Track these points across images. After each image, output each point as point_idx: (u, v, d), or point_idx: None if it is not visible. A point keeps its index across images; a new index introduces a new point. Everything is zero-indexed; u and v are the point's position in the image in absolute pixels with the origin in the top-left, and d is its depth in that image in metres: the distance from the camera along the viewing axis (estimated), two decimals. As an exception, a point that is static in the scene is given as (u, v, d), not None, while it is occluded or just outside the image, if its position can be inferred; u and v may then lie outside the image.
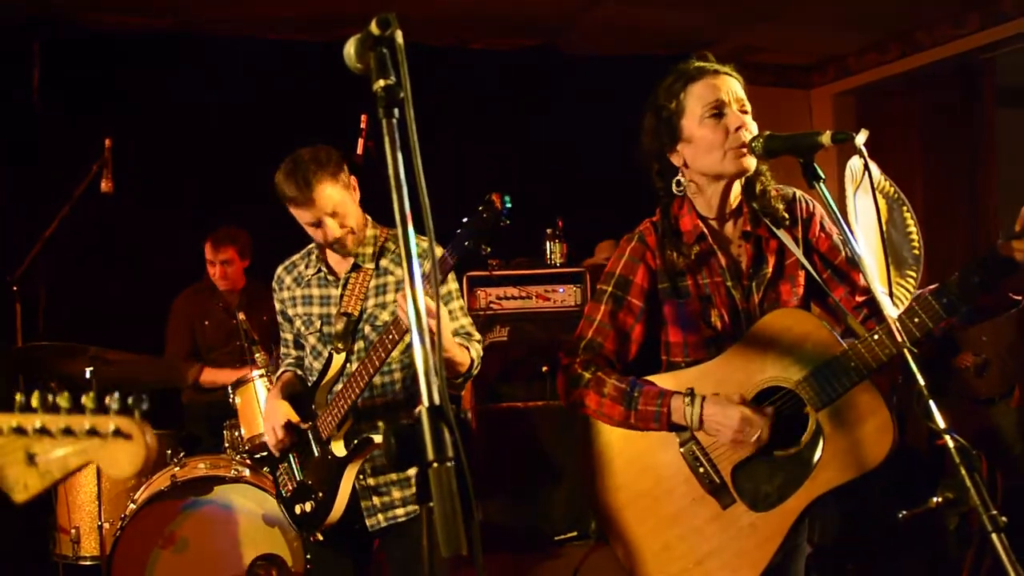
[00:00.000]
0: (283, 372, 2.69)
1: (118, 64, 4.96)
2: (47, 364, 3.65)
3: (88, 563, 3.64)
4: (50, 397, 1.21)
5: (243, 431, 3.67)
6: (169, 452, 3.68)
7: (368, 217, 2.57)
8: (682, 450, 1.97)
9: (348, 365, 2.49)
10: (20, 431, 1.19)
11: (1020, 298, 1.77)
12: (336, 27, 4.93)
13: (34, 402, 1.21)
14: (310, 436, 2.55)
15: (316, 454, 2.53)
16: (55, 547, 3.72)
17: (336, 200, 2.42)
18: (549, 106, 5.64)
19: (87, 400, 1.20)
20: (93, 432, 1.17)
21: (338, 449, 2.46)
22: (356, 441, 2.43)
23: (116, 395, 1.25)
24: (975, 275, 1.68)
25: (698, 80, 1.95)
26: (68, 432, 1.18)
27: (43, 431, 1.19)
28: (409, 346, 2.36)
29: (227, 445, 3.79)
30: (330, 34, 5.04)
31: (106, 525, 3.49)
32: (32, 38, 4.80)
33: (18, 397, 1.22)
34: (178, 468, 3.47)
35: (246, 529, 3.35)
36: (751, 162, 1.92)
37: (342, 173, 2.45)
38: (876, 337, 1.76)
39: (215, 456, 3.68)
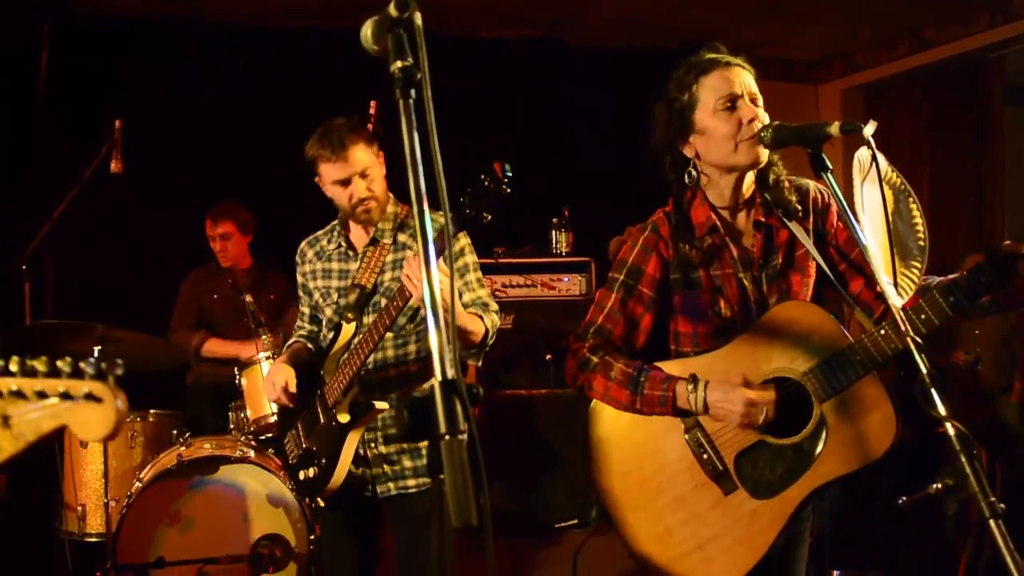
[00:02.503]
0: (294, 342, 2.75)
1: (126, 49, 4.98)
2: (55, 343, 3.67)
3: (94, 540, 3.68)
4: (28, 361, 1.24)
5: (249, 412, 3.71)
6: (175, 432, 3.72)
7: (391, 195, 2.63)
8: (687, 436, 1.99)
9: (357, 335, 2.54)
10: None
11: None
12: (342, 16, 4.94)
13: (12, 366, 1.23)
14: (317, 403, 2.59)
15: (321, 421, 2.57)
16: (61, 524, 3.76)
17: (366, 163, 2.50)
18: (555, 96, 5.65)
19: (63, 364, 1.22)
20: (66, 396, 1.19)
21: (342, 415, 2.50)
22: (358, 407, 2.47)
23: (91, 360, 1.27)
24: (983, 274, 1.71)
25: (711, 72, 1.96)
26: (42, 395, 1.20)
27: (18, 394, 1.20)
28: (423, 319, 2.40)
29: (232, 426, 3.83)
30: (336, 22, 5.05)
31: (112, 503, 3.53)
32: (41, 21, 4.82)
33: None
34: (184, 448, 3.50)
35: (250, 509, 3.38)
36: (764, 153, 1.93)
37: (374, 143, 2.54)
38: (883, 332, 1.78)
39: (221, 437, 3.70)
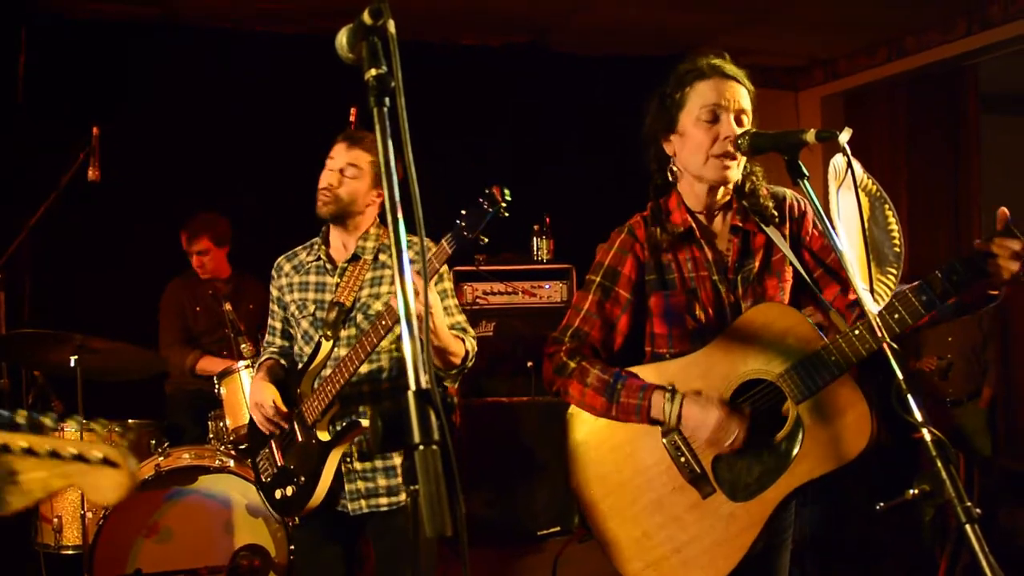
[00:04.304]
0: (265, 359, 2.71)
1: (106, 52, 4.95)
2: (32, 352, 3.63)
3: (70, 552, 3.62)
4: (35, 416, 1.23)
5: (228, 422, 3.68)
6: (153, 442, 3.68)
7: (377, 219, 2.66)
8: (664, 440, 1.99)
9: (336, 351, 2.52)
10: (5, 449, 1.19)
11: (997, 293, 1.81)
12: (323, 20, 4.94)
13: (19, 419, 1.23)
14: (294, 421, 2.56)
15: (300, 439, 2.54)
16: (37, 536, 3.70)
17: (358, 166, 2.54)
18: (538, 103, 5.66)
19: (72, 423, 1.21)
20: (79, 457, 1.18)
21: (322, 434, 2.48)
22: (341, 425, 2.45)
23: (102, 421, 1.25)
24: (955, 273, 1.72)
25: (706, 79, 1.96)
26: (54, 455, 1.19)
27: (29, 451, 1.19)
28: (399, 336, 2.41)
29: (211, 436, 3.79)
30: (317, 26, 5.05)
31: (89, 514, 3.48)
32: (18, 23, 4.78)
33: (3, 414, 1.23)
34: (162, 458, 3.46)
35: (230, 519, 3.35)
36: (734, 173, 1.95)
37: (376, 172, 2.55)
38: (856, 332, 1.79)
39: (199, 446, 3.67)
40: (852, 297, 2.01)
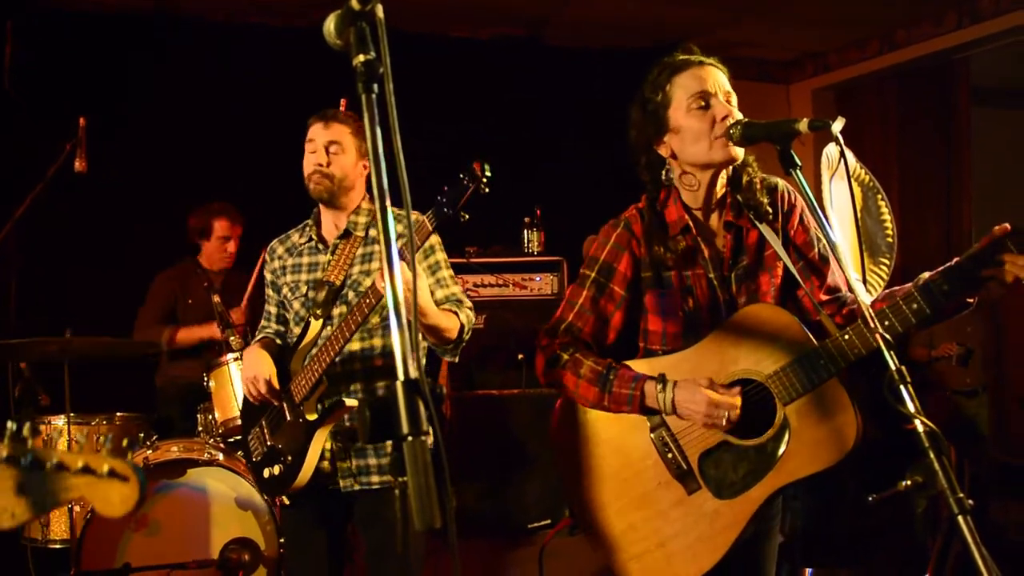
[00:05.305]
0: (262, 338, 2.70)
1: (93, 44, 4.90)
2: (18, 345, 3.60)
3: (58, 546, 3.60)
4: (43, 428, 1.21)
5: (217, 414, 3.66)
6: (142, 435, 3.65)
7: (366, 194, 2.66)
8: (652, 435, 1.99)
9: (326, 330, 2.51)
10: (12, 461, 1.18)
11: (972, 300, 1.81)
12: (314, 11, 4.90)
13: (26, 432, 1.21)
14: (283, 400, 2.55)
15: (288, 418, 2.53)
16: (24, 530, 3.67)
17: (339, 140, 2.53)
18: (530, 95, 5.64)
19: (78, 433, 1.20)
20: (87, 470, 1.18)
21: (310, 413, 2.47)
22: (327, 404, 2.43)
23: (109, 436, 1.25)
24: (947, 282, 1.72)
25: (683, 71, 1.97)
26: (61, 467, 1.18)
27: (36, 464, 1.18)
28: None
29: (200, 428, 3.77)
30: (308, 19, 5.01)
31: (76, 508, 3.46)
32: (4, 15, 4.72)
33: (10, 425, 1.21)
34: (151, 451, 3.44)
35: (219, 512, 3.33)
36: (739, 151, 1.93)
37: (363, 143, 2.54)
38: (847, 337, 1.80)
39: (188, 439, 3.65)
40: (824, 297, 2.03)
